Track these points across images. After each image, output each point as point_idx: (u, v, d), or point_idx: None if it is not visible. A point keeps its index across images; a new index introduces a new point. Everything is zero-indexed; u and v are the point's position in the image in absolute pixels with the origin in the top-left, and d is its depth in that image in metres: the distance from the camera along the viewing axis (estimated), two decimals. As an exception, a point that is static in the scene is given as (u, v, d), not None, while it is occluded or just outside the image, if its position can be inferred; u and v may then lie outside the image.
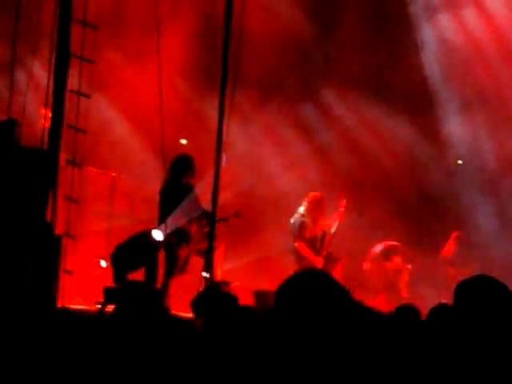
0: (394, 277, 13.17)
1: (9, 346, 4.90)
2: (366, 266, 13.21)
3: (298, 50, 14.42)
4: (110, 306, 8.66)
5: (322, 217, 11.59)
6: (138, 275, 9.76)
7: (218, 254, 10.01)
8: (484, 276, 3.58)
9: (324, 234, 11.54)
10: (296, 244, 11.39)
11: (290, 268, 11.26)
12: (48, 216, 7.84)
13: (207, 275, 9.41)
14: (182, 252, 10.07)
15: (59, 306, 7.92)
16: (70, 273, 8.38)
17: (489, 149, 13.78)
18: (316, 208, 11.48)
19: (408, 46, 14.14)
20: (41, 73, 8.50)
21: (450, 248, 13.56)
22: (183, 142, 13.91)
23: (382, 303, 12.48)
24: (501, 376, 3.21)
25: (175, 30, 12.92)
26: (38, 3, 9.76)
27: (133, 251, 9.68)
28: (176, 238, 9.98)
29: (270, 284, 10.41)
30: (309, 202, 11.52)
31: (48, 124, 8.39)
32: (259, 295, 10.03)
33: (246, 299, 9.42)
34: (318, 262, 11.27)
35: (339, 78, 14.09)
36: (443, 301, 6.87)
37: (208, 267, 9.49)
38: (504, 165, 13.60)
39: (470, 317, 3.36)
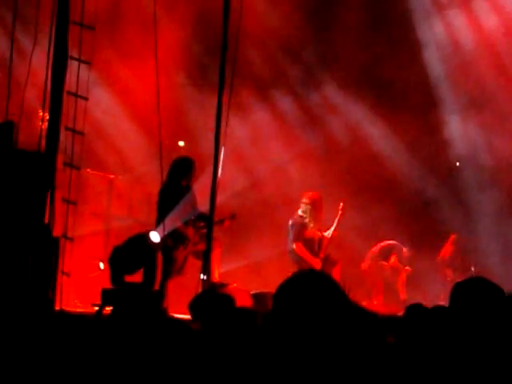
0: (392, 277, 13.18)
1: (7, 348, 4.89)
2: (364, 265, 13.23)
3: (296, 47, 14.37)
4: (107, 308, 8.65)
5: (320, 216, 11.56)
6: (136, 277, 9.76)
7: (215, 255, 10.01)
8: (479, 278, 3.58)
9: (322, 236, 11.52)
10: (294, 245, 11.37)
11: (288, 269, 11.27)
12: (46, 218, 7.82)
13: (205, 277, 9.41)
14: (179, 254, 10.07)
15: (57, 308, 7.89)
16: (67, 275, 8.36)
17: (492, 148, 13.73)
18: (314, 208, 11.44)
19: (410, 44, 14.09)
20: (38, 74, 8.48)
21: (447, 250, 13.58)
22: (181, 143, 13.92)
23: (380, 304, 12.50)
24: (495, 376, 3.21)
25: (172, 30, 12.93)
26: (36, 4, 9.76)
27: (130, 253, 9.66)
28: (173, 240, 9.99)
29: (269, 286, 10.42)
30: (307, 203, 11.49)
31: (45, 126, 8.38)
32: (257, 297, 10.03)
33: (244, 301, 9.41)
34: (316, 264, 11.25)
35: (339, 77, 14.05)
36: (441, 302, 6.88)
37: (206, 269, 9.48)
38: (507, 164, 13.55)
39: (465, 318, 3.36)
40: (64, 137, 8.35)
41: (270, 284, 10.45)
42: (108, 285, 9.37)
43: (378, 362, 3.04)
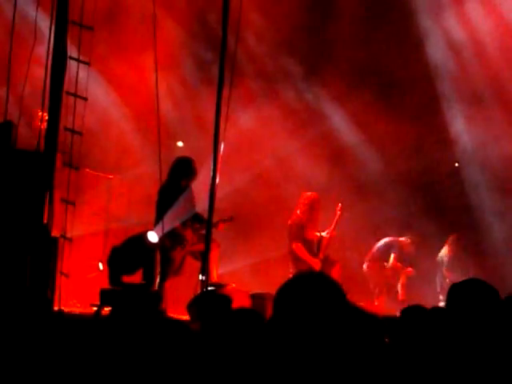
0: (393, 278, 13.16)
1: (6, 348, 4.89)
2: (365, 266, 13.21)
3: (298, 43, 14.32)
4: (106, 309, 8.65)
5: (318, 217, 11.56)
6: (135, 277, 9.76)
7: (213, 256, 10.00)
8: (475, 279, 3.59)
9: (321, 236, 11.52)
10: (293, 245, 11.37)
11: (287, 270, 11.27)
12: (44, 218, 7.82)
13: (203, 278, 9.41)
14: (177, 254, 10.07)
15: (56, 308, 7.89)
16: (66, 275, 8.36)
17: (498, 146, 13.65)
18: (312, 208, 11.44)
19: (412, 42, 14.03)
20: (37, 74, 8.47)
21: (447, 250, 13.56)
22: (180, 144, 13.91)
23: (381, 305, 12.48)
24: (491, 377, 3.21)
25: (171, 27, 12.93)
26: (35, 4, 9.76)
27: (129, 253, 9.66)
28: (170, 240, 9.98)
29: (267, 287, 10.42)
30: (304, 204, 11.48)
31: (44, 126, 8.37)
32: (256, 298, 10.02)
33: (242, 301, 9.40)
34: (316, 264, 11.25)
35: (340, 76, 13.99)
36: (441, 304, 6.88)
37: (204, 270, 9.48)
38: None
39: (461, 319, 3.36)
40: (63, 137, 8.35)
41: (269, 285, 10.46)
42: (107, 285, 9.37)
43: (375, 363, 3.03)
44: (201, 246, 9.92)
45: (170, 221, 9.89)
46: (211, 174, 9.29)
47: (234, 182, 12.46)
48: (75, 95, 8.49)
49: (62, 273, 8.25)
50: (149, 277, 9.69)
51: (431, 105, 14.03)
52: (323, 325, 2.75)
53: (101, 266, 11.30)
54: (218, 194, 9.53)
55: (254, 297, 10.02)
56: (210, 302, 6.35)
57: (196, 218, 10.24)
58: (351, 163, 14.39)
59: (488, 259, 13.44)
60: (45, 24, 8.34)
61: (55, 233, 8.12)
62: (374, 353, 3.07)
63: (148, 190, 11.20)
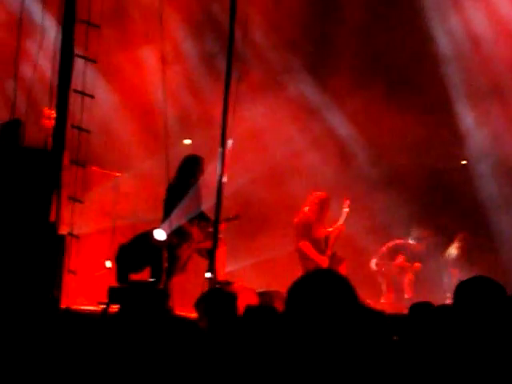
0: (399, 276, 13.14)
1: (13, 345, 4.90)
2: (373, 264, 13.20)
3: (306, 37, 14.27)
4: (113, 306, 8.66)
5: (326, 217, 11.56)
6: (143, 275, 9.77)
7: (220, 254, 10.00)
8: (482, 277, 3.59)
9: (328, 233, 11.51)
10: (300, 243, 11.36)
11: (294, 268, 11.25)
12: (52, 216, 7.84)
13: (210, 276, 9.41)
14: (183, 252, 10.07)
15: (63, 306, 7.90)
16: (73, 273, 8.37)
17: (508, 142, 13.56)
18: (321, 208, 11.44)
19: (422, 37, 13.95)
20: (45, 72, 8.50)
21: (455, 248, 13.52)
22: (187, 141, 13.91)
23: (389, 303, 12.47)
24: (499, 374, 3.20)
25: (176, 23, 12.93)
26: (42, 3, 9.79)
27: (136, 251, 9.67)
28: (177, 237, 9.98)
29: (274, 285, 10.41)
30: (314, 202, 11.48)
31: (52, 124, 8.39)
32: (264, 295, 10.02)
33: (250, 299, 9.40)
34: (323, 262, 11.25)
35: (349, 71, 13.92)
36: (448, 301, 6.87)
37: (211, 268, 9.49)
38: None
39: (468, 317, 3.36)
40: (70, 135, 8.36)
41: (276, 283, 10.46)
42: (114, 283, 9.38)
43: (384, 360, 3.03)
44: (207, 244, 9.92)
45: (177, 218, 9.90)
46: (218, 171, 9.29)
47: (241, 179, 12.44)
48: (82, 93, 8.49)
49: (69, 270, 8.27)
50: (156, 274, 9.69)
51: (441, 101, 13.95)
52: (336, 322, 2.74)
53: (108, 263, 11.29)
54: (225, 191, 9.53)
55: (261, 295, 10.02)
56: (217, 299, 6.36)
57: (202, 216, 10.24)
58: (359, 160, 14.34)
59: (496, 256, 13.40)
60: (50, 23, 8.36)
61: (62, 230, 8.14)
62: (382, 350, 3.07)
63: (155, 188, 11.19)
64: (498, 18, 13.41)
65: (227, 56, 9.28)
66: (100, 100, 10.51)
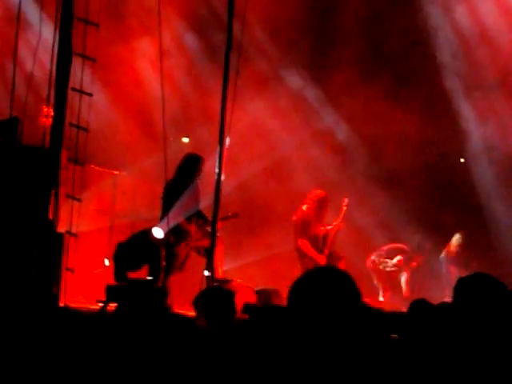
0: (396, 274, 13.15)
1: (11, 344, 4.89)
2: (368, 262, 13.20)
3: (308, 30, 14.23)
4: (112, 305, 8.65)
5: (325, 215, 11.56)
6: (141, 273, 9.77)
7: (218, 252, 10.00)
8: (481, 274, 3.59)
9: (326, 232, 11.51)
10: (299, 242, 11.36)
11: (292, 266, 11.26)
12: (50, 214, 7.83)
13: (208, 274, 9.41)
14: (181, 250, 10.08)
15: (61, 304, 7.90)
16: (72, 271, 8.37)
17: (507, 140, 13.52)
18: (320, 206, 11.43)
19: (421, 32, 13.90)
20: (42, 69, 8.49)
21: (454, 246, 13.52)
22: (185, 140, 13.91)
23: (386, 301, 12.48)
24: (498, 372, 3.20)
25: (177, 19, 12.92)
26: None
27: (134, 249, 9.67)
28: (175, 236, 9.98)
29: (273, 282, 10.42)
30: (312, 200, 11.47)
31: (50, 122, 8.38)
32: (262, 293, 10.02)
33: (248, 297, 9.41)
34: (321, 260, 11.25)
35: (351, 67, 13.87)
36: (447, 299, 6.85)
37: (209, 266, 9.49)
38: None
39: (468, 314, 3.35)
40: (68, 133, 8.36)
41: (275, 281, 10.47)
42: (112, 281, 9.38)
43: (383, 359, 3.03)
44: (205, 242, 9.92)
45: (175, 216, 9.89)
46: (216, 169, 9.29)
47: (241, 175, 12.44)
48: (80, 91, 8.48)
49: (67, 269, 8.27)
50: (154, 272, 9.69)
51: (442, 98, 13.92)
52: (339, 320, 2.74)
53: (106, 261, 11.30)
54: (224, 189, 9.53)
55: (259, 292, 10.03)
56: (215, 297, 6.36)
57: (200, 214, 10.24)
58: (360, 157, 14.32)
59: (495, 254, 13.40)
60: (49, 20, 8.35)
61: (60, 229, 8.13)
62: (382, 347, 3.07)
63: (153, 186, 11.20)
64: (507, 9, 13.35)
65: (225, 50, 9.26)
66: (98, 98, 10.50)
